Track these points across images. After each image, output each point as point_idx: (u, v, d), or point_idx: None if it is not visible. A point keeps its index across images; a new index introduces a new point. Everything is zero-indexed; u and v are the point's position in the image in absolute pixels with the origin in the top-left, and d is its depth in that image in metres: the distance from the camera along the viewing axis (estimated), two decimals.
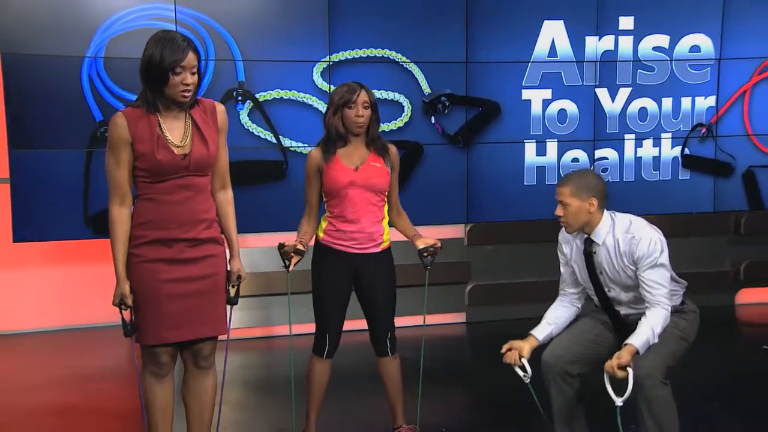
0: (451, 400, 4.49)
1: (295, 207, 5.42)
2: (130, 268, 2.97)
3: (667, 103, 6.14)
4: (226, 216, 3.15)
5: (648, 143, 6.20)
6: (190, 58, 2.92)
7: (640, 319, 3.27)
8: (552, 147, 6.00)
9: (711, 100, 6.20)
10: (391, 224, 3.64)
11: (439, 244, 3.58)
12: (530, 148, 5.96)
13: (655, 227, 3.37)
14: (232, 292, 3.15)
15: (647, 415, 3.19)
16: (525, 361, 3.36)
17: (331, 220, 3.52)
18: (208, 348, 3.09)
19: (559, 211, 3.35)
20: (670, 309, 3.25)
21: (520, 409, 4.12)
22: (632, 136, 6.17)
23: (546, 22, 5.86)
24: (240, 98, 5.43)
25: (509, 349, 3.40)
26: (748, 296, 6.55)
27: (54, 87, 5.11)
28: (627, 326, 3.37)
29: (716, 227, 6.40)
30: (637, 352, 3.13)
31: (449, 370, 4.88)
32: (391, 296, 3.61)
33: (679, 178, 6.25)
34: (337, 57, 5.55)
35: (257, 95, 5.46)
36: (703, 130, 6.20)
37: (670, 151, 6.24)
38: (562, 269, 3.56)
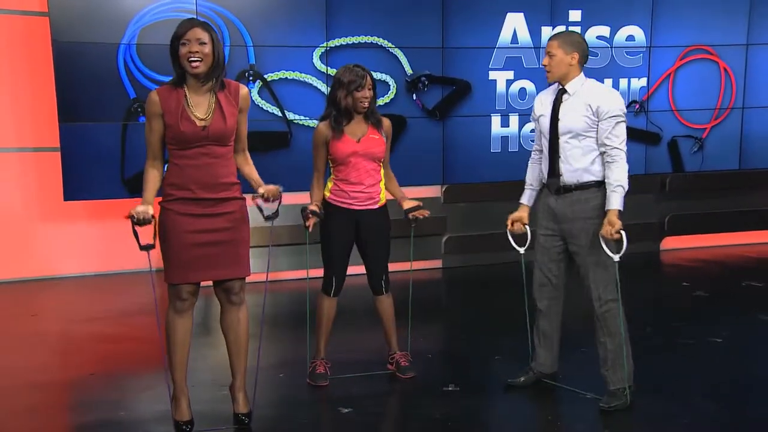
0: (433, 331, 4.57)
1: (298, 171, 5.51)
2: (163, 219, 3.02)
3: (608, 83, 6.30)
4: (246, 164, 3.18)
5: None
6: (195, 30, 2.95)
7: (580, 187, 3.23)
8: (514, 120, 6.18)
9: (643, 81, 6.44)
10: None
11: (426, 213, 3.62)
12: (496, 120, 6.14)
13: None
14: (267, 209, 3.11)
15: (604, 328, 3.24)
16: (528, 228, 3.38)
17: (337, 182, 3.58)
18: (236, 287, 3.13)
19: (545, 61, 3.33)
20: (625, 158, 3.17)
21: (489, 335, 4.43)
22: None
23: (509, 14, 6.04)
24: (251, 78, 5.55)
25: (512, 222, 3.43)
26: (670, 243, 6.76)
27: (95, 69, 5.23)
28: (569, 221, 3.27)
29: (646, 186, 6.51)
30: (620, 212, 3.09)
31: (430, 306, 4.92)
32: (385, 245, 3.67)
33: None
34: (333, 43, 5.69)
35: (266, 75, 5.60)
36: (637, 106, 6.43)
37: None
38: (535, 130, 3.50)
